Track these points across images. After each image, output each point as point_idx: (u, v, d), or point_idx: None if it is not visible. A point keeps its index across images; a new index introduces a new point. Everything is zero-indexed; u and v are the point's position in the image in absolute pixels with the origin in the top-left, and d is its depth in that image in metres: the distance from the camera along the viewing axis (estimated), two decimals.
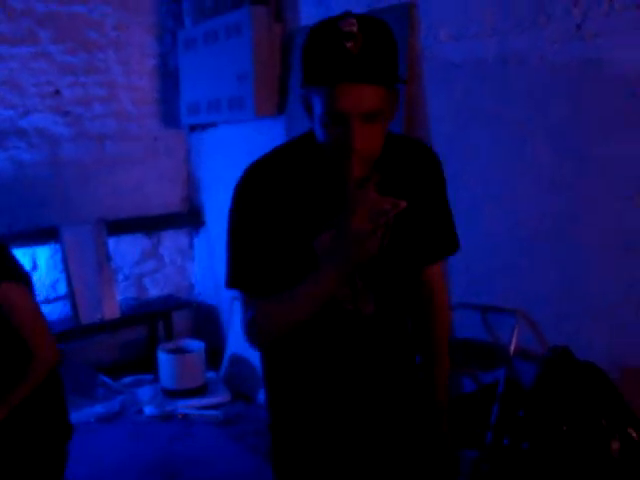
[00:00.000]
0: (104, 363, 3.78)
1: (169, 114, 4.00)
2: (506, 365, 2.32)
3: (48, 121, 3.60)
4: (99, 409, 3.40)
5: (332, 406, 1.39)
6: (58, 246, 3.62)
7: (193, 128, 4.07)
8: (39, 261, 3.69)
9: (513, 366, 2.39)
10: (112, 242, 3.89)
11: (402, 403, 1.44)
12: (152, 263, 4.13)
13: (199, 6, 3.46)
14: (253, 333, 1.31)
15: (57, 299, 3.77)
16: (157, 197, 4.02)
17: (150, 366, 3.72)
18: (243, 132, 3.59)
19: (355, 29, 1.11)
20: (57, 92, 3.60)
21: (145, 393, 3.59)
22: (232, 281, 1.31)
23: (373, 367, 1.39)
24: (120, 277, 4.00)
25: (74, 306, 3.59)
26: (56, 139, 3.64)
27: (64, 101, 3.63)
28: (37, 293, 3.60)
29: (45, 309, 3.68)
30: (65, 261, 3.60)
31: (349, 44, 1.10)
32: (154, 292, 4.15)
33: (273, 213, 1.25)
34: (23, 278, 1.87)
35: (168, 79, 3.96)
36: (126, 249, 4.01)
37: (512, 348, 2.35)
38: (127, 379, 3.71)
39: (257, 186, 1.27)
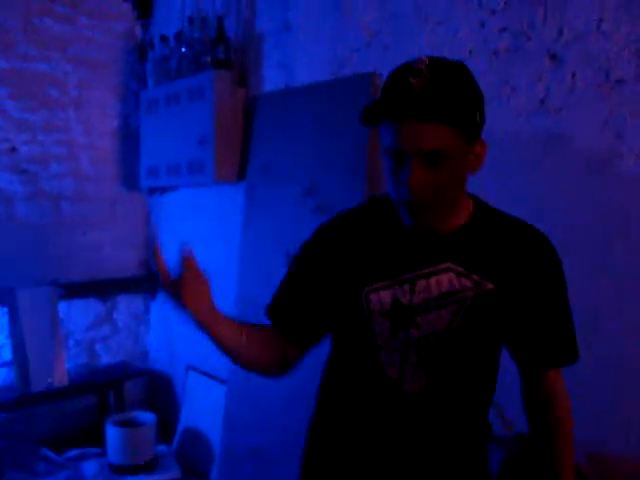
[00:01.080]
0: (49, 435, 3.55)
1: (129, 176, 3.91)
2: None
3: (3, 179, 3.47)
4: None
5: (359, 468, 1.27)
6: (5, 309, 3.44)
7: (152, 191, 3.98)
8: None
9: None
10: (64, 306, 3.72)
11: None
12: (105, 329, 3.95)
13: (163, 68, 3.42)
14: None
15: (1, 365, 3.56)
16: (113, 260, 3.88)
17: (99, 438, 3.50)
18: (203, 197, 3.51)
19: (423, 66, 1.10)
20: (13, 149, 3.49)
21: (90, 468, 3.37)
22: (267, 309, 1.36)
23: (414, 458, 1.24)
24: (71, 343, 3.81)
25: (19, 373, 3.39)
26: (10, 197, 3.50)
27: (20, 159, 3.51)
28: None
29: None
30: (12, 325, 3.41)
31: (414, 80, 1.08)
32: (106, 359, 3.96)
33: (335, 259, 1.26)
34: None
35: (130, 140, 3.88)
36: (78, 313, 3.83)
37: None
38: (72, 452, 3.48)
39: (333, 231, 1.31)
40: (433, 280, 1.19)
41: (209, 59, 3.11)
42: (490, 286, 1.17)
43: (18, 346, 3.44)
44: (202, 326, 1.20)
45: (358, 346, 1.24)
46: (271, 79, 3.08)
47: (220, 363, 3.30)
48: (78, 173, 3.73)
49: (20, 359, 3.42)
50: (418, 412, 1.22)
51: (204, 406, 3.49)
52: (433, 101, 1.07)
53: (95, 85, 3.73)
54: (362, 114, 1.15)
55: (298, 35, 2.92)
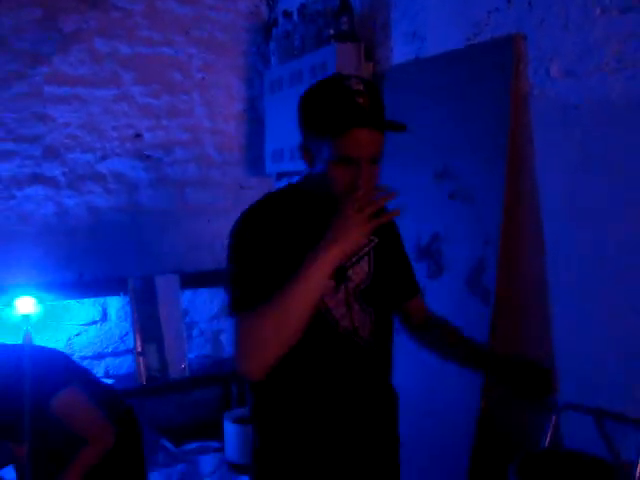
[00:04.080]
0: (170, 425, 3.49)
1: (256, 161, 3.75)
2: None
3: (127, 165, 3.43)
4: (157, 478, 3.11)
5: (328, 433, 1.44)
6: (127, 297, 3.41)
7: (280, 176, 3.80)
8: (110, 311, 3.50)
9: None
10: (188, 295, 3.65)
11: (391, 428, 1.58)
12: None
13: (286, 45, 3.20)
14: (245, 358, 1.31)
15: (126, 352, 3.55)
16: None
17: (219, 432, 3.39)
18: None
19: (362, 87, 1.33)
20: (137, 135, 3.44)
21: (208, 463, 3.27)
22: (238, 306, 1.34)
23: (368, 390, 1.49)
24: (195, 332, 3.74)
25: (140, 362, 3.35)
26: (134, 184, 3.46)
27: (144, 145, 3.46)
28: (105, 345, 3.47)
29: (113, 362, 3.53)
30: (133, 314, 3.38)
31: (360, 99, 1.30)
32: (231, 350, 3.85)
33: (273, 242, 1.37)
34: (75, 378, 2.21)
35: (256, 124, 3.72)
36: (203, 303, 3.75)
37: (638, 471, 1.81)
38: (190, 445, 3.39)
39: (258, 219, 1.42)
40: None
41: (332, 32, 2.85)
42: (376, 239, 1.49)
43: (145, 334, 3.40)
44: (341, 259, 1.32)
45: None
46: (400, 51, 2.76)
47: None
48: (203, 158, 3.63)
49: (136, 349, 3.38)
50: (370, 350, 1.47)
51: None
52: (378, 115, 1.33)
53: (219, 67, 3.60)
54: (310, 131, 1.38)
55: None
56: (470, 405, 2.21)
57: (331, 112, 1.31)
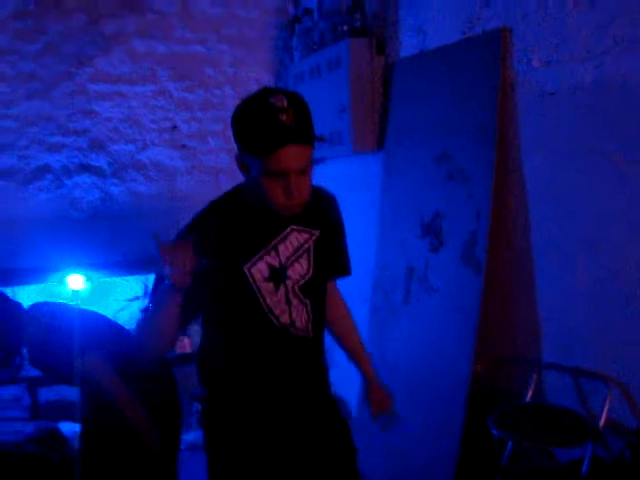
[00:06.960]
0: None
1: None
2: (593, 440, 1.98)
3: (165, 155, 3.75)
4: (190, 437, 3.43)
5: (266, 405, 1.63)
6: None
7: None
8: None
9: (604, 442, 2.04)
10: None
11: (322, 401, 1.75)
12: None
13: (307, 41, 3.45)
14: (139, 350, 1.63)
15: None
16: None
17: None
18: (343, 168, 3.50)
19: (286, 104, 1.39)
20: (174, 127, 3.75)
21: None
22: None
23: (303, 371, 1.68)
24: None
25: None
26: (172, 172, 3.78)
27: (180, 136, 3.77)
28: None
29: None
30: None
31: (283, 117, 1.38)
32: None
33: (210, 251, 1.52)
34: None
35: None
36: None
37: (602, 421, 2.01)
38: None
39: (198, 229, 1.59)
40: (287, 241, 1.59)
41: (346, 28, 3.08)
42: (317, 233, 1.62)
43: None
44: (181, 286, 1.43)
45: (251, 310, 1.57)
46: (407, 44, 2.98)
47: None
48: (234, 148, 3.90)
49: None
50: (305, 338, 1.64)
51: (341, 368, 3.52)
52: (302, 131, 1.41)
53: (249, 62, 3.87)
54: (242, 148, 1.49)
55: None
56: (463, 369, 2.43)
57: (257, 133, 1.41)
